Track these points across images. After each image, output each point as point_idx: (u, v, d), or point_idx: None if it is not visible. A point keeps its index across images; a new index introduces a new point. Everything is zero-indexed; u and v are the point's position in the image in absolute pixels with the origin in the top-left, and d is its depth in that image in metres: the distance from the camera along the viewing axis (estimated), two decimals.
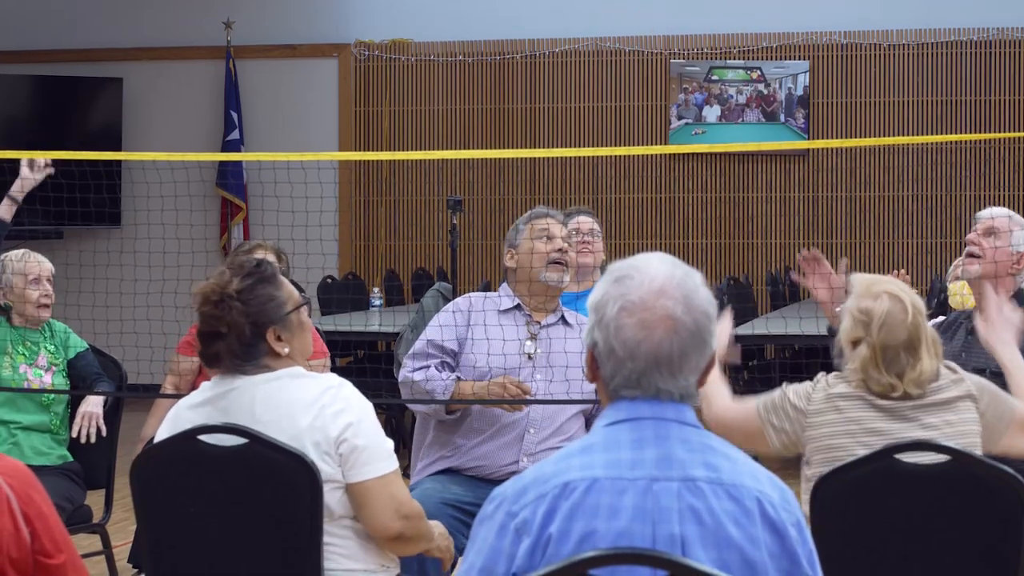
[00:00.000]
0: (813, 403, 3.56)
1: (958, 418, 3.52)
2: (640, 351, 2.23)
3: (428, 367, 4.60)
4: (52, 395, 5.30)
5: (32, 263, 5.38)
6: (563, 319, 4.75)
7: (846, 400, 3.52)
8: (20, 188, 5.63)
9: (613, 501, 2.18)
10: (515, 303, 4.72)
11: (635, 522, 2.17)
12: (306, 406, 3.37)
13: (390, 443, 3.43)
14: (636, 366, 2.23)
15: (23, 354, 5.31)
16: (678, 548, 2.15)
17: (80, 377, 5.41)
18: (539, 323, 4.71)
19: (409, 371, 4.63)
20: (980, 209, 5.02)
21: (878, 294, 3.55)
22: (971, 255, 4.69)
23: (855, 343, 3.54)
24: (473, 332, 4.62)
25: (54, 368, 5.35)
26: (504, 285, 4.82)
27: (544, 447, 4.54)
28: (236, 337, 3.38)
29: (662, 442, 2.22)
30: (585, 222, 5.96)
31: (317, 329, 5.62)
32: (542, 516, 2.19)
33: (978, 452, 3.51)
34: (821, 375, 3.62)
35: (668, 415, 2.25)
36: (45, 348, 5.38)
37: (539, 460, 4.44)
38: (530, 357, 4.64)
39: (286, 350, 3.44)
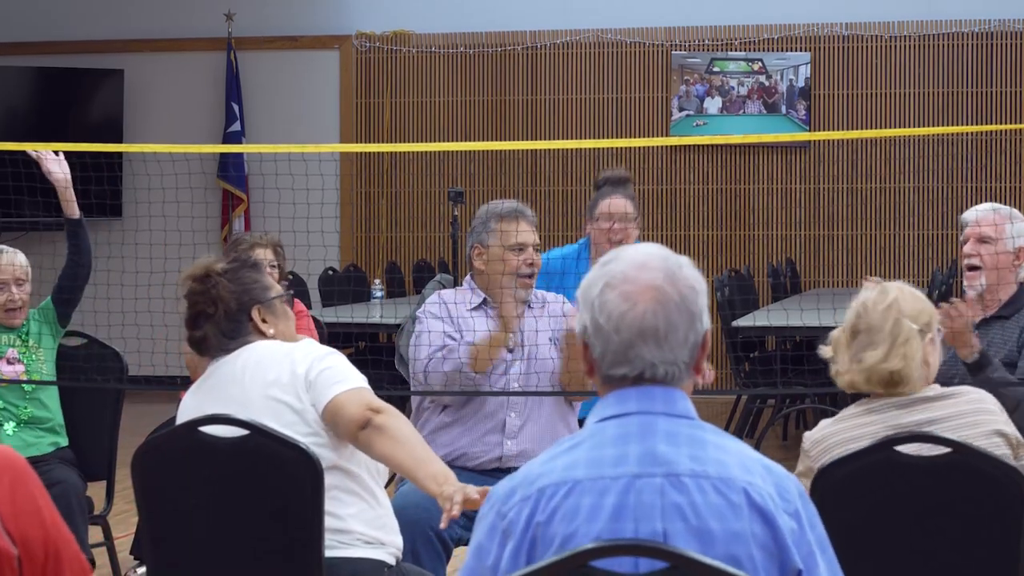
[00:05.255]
0: (816, 446, 3.50)
1: (973, 428, 3.47)
2: (625, 322, 2.21)
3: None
4: (34, 385, 5.07)
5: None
6: (527, 306, 4.73)
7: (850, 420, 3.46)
8: (64, 183, 5.30)
9: (594, 502, 2.16)
10: (482, 299, 4.67)
11: (616, 520, 2.15)
12: (279, 359, 3.46)
13: (363, 377, 3.48)
14: (622, 338, 2.21)
15: None
16: None
17: (61, 298, 5.20)
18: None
19: (424, 365, 4.55)
20: (979, 201, 4.95)
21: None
22: (973, 267, 4.59)
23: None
24: (459, 324, 4.63)
25: (24, 361, 5.09)
26: (469, 278, 4.73)
27: (527, 430, 4.58)
28: (223, 312, 3.49)
29: (647, 438, 2.20)
30: (617, 205, 5.41)
31: (316, 320, 5.64)
32: (525, 519, 2.18)
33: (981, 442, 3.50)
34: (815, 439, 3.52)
35: (656, 408, 2.23)
36: (20, 336, 5.13)
37: (522, 440, 4.53)
38: (510, 350, 4.63)
39: (271, 331, 3.55)
